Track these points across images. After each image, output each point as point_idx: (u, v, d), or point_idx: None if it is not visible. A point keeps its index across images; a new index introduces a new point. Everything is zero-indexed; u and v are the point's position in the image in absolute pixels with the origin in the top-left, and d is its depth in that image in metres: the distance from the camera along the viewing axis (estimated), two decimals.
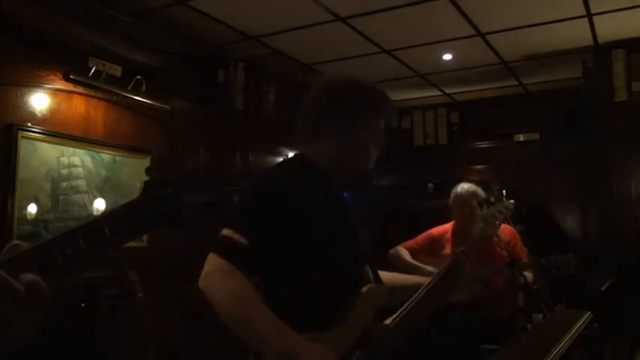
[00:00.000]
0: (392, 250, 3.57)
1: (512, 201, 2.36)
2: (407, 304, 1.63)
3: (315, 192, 1.53)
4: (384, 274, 1.70)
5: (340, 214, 1.61)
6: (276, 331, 1.32)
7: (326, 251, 1.48)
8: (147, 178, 0.85)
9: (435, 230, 3.60)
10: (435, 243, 3.54)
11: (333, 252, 1.50)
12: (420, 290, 1.69)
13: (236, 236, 1.36)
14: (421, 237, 3.59)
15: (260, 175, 1.62)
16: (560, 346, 1.52)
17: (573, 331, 1.72)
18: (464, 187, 3.50)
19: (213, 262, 1.36)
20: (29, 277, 0.68)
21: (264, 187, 1.51)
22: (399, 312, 1.61)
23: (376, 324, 1.52)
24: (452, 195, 3.53)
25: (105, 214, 0.78)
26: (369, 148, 1.61)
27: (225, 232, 1.38)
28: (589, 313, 2.01)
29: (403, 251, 3.52)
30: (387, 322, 1.59)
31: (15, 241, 0.73)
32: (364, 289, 1.50)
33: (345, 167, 1.60)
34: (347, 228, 1.62)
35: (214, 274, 1.35)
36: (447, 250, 3.48)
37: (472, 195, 3.44)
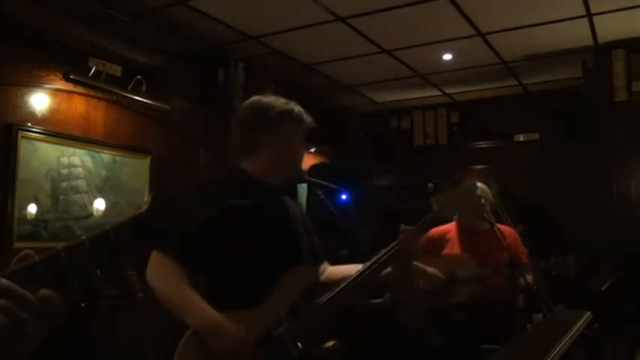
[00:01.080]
0: None
1: (472, 182, 2.11)
2: (344, 282, 1.73)
3: (248, 197, 1.78)
4: (338, 268, 1.94)
5: (276, 214, 1.85)
6: (198, 308, 1.57)
7: (257, 246, 1.71)
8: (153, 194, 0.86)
9: (434, 231, 3.59)
10: (435, 243, 3.54)
11: (263, 247, 1.72)
12: (359, 270, 1.76)
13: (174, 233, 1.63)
14: (421, 238, 3.58)
15: (201, 186, 1.98)
16: (560, 346, 1.52)
17: (573, 331, 1.72)
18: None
19: (154, 255, 1.66)
20: (44, 292, 0.68)
21: (201, 199, 1.80)
22: (333, 289, 1.70)
23: (308, 301, 1.68)
24: None
25: (113, 225, 0.78)
26: (296, 155, 1.93)
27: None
28: (589, 313, 2.00)
29: None
30: (322, 298, 1.69)
31: (26, 251, 0.74)
32: (292, 270, 1.70)
33: (278, 173, 1.89)
34: (283, 227, 1.84)
35: (153, 265, 1.66)
36: (448, 250, 3.48)
37: (482, 194, 3.43)
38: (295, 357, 1.61)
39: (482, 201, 3.39)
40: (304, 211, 2.09)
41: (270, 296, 1.65)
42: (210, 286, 1.69)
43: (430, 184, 5.73)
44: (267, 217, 1.80)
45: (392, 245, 1.81)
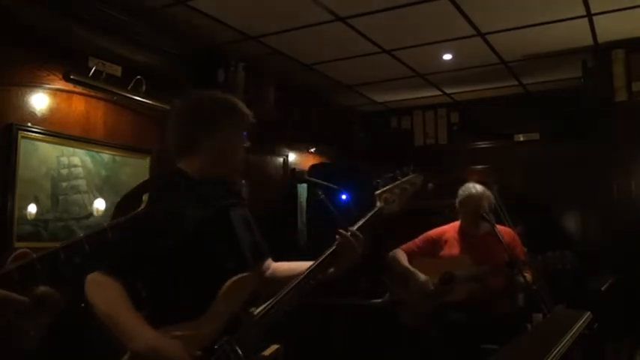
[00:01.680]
0: (390, 253, 3.57)
1: (417, 174, 2.05)
2: (283, 289, 1.70)
3: (187, 200, 1.69)
4: (283, 264, 1.93)
5: (217, 216, 1.76)
6: (137, 330, 1.51)
7: (192, 252, 1.64)
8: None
9: (434, 232, 3.60)
10: (434, 245, 3.54)
11: (199, 252, 1.66)
12: (299, 276, 1.73)
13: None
14: (420, 239, 3.59)
15: (133, 189, 1.84)
16: (560, 346, 1.52)
17: (573, 331, 1.72)
18: (476, 187, 3.46)
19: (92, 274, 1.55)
20: (41, 289, 0.68)
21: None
22: (274, 297, 1.68)
23: (248, 311, 1.64)
24: (462, 195, 3.49)
25: (110, 225, 0.79)
26: (236, 153, 1.83)
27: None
28: (589, 313, 2.00)
29: (400, 254, 3.52)
30: (261, 307, 1.66)
31: (23, 249, 0.74)
32: (231, 279, 1.64)
33: (217, 172, 1.80)
34: (225, 228, 1.77)
35: (90, 280, 1.52)
36: (448, 251, 3.47)
37: (484, 197, 3.42)
38: None
39: (477, 201, 3.39)
40: (245, 207, 1.97)
41: (211, 306, 1.61)
42: (151, 297, 1.65)
43: (430, 184, 5.75)
44: (206, 223, 1.71)
45: (331, 248, 1.77)
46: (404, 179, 1.98)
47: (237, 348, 1.58)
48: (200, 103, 1.84)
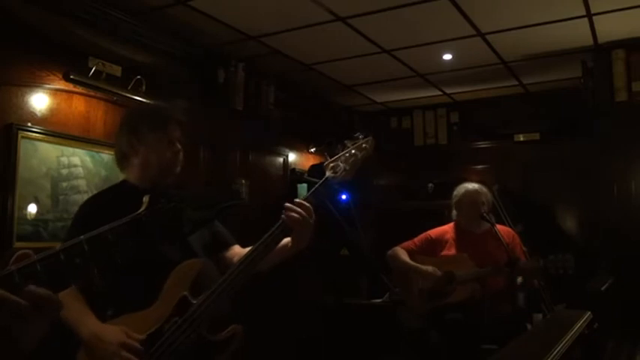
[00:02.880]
0: (390, 251, 3.57)
1: (368, 139, 2.05)
2: (232, 268, 1.78)
3: (123, 202, 1.80)
4: (247, 248, 1.94)
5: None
6: (82, 321, 1.71)
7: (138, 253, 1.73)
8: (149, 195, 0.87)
9: (434, 232, 3.60)
10: (434, 244, 3.54)
11: (145, 253, 1.74)
12: (245, 255, 1.80)
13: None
14: (419, 238, 3.59)
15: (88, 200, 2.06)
16: (560, 346, 1.52)
17: (573, 331, 1.72)
18: (473, 185, 3.48)
19: None
20: (40, 291, 0.68)
21: (81, 207, 2.00)
22: (222, 278, 1.76)
23: (196, 293, 1.75)
24: (458, 194, 3.50)
25: (111, 226, 0.78)
26: (162, 159, 1.94)
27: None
28: (589, 313, 2.01)
29: (401, 251, 3.53)
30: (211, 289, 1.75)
31: (24, 250, 0.74)
32: (175, 268, 1.78)
33: (152, 178, 1.93)
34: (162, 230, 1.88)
35: None
36: (447, 251, 3.48)
37: (480, 194, 3.43)
38: (190, 345, 1.69)
39: None
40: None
41: (160, 294, 1.75)
42: (105, 291, 1.78)
43: (430, 184, 5.75)
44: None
45: (278, 224, 1.82)
46: (351, 146, 2.01)
47: (186, 327, 1.69)
48: (126, 116, 2.05)
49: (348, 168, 1.95)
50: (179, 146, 1.98)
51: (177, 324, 1.70)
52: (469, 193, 3.44)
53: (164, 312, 1.72)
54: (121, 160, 2.00)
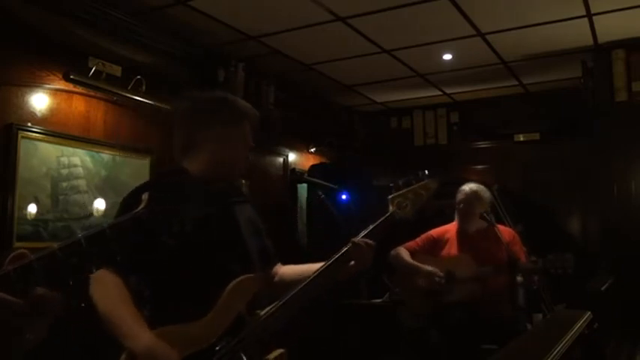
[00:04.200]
0: (392, 251, 3.57)
1: (433, 179, 1.99)
2: (289, 291, 1.69)
3: (187, 199, 1.71)
4: (292, 268, 1.93)
5: (219, 219, 1.75)
6: (133, 331, 1.52)
7: (195, 252, 1.63)
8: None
9: (435, 231, 3.61)
10: (435, 244, 3.55)
11: (203, 252, 1.65)
12: (306, 278, 1.72)
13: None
14: (421, 238, 3.60)
15: (136, 188, 1.79)
16: (560, 346, 1.52)
17: (573, 331, 1.72)
18: (471, 186, 3.48)
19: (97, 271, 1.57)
20: (39, 291, 0.68)
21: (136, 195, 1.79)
22: (280, 299, 1.67)
23: (252, 312, 1.63)
24: (459, 193, 3.50)
25: (110, 225, 0.78)
26: (234, 151, 1.81)
27: None
28: (589, 313, 2.01)
29: (403, 251, 3.53)
30: (266, 309, 1.64)
31: (20, 250, 0.73)
32: (234, 281, 1.62)
33: (217, 171, 1.79)
34: (229, 227, 1.77)
35: (93, 278, 1.57)
36: (447, 250, 3.48)
37: (477, 194, 3.43)
38: None
39: (474, 201, 3.40)
40: (253, 212, 1.96)
41: (215, 307, 1.60)
42: (153, 296, 1.65)
43: None
44: (210, 223, 1.71)
45: (340, 252, 1.76)
46: (419, 184, 1.93)
47: (239, 349, 1.56)
48: (198, 103, 1.85)
49: (411, 206, 1.90)
50: (250, 144, 1.85)
51: (230, 345, 1.56)
52: (466, 194, 3.45)
53: (217, 328, 1.58)
54: (183, 150, 1.82)
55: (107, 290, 1.57)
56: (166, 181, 1.85)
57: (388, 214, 1.88)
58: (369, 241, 1.79)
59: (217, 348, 1.55)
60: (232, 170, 1.84)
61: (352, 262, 1.77)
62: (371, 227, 1.84)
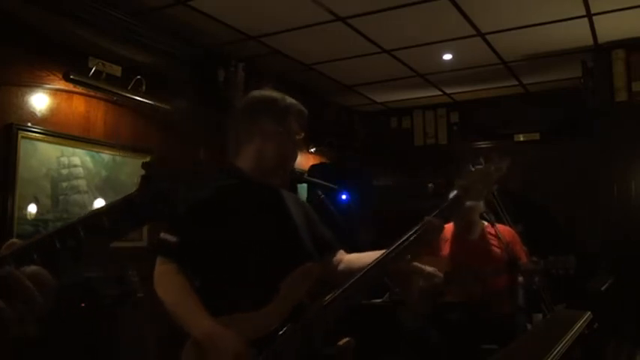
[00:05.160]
0: None
1: (504, 159, 1.93)
2: (351, 277, 1.69)
3: (238, 194, 1.77)
4: (358, 255, 1.92)
5: (268, 210, 1.81)
6: (196, 319, 1.60)
7: (248, 244, 1.70)
8: (144, 173, 0.86)
9: None
10: (436, 243, 3.53)
11: (256, 245, 1.71)
12: (369, 264, 1.72)
13: (169, 237, 1.66)
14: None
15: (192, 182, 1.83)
16: (560, 346, 1.52)
17: (573, 331, 1.72)
18: None
19: (157, 263, 1.70)
20: (32, 268, 0.68)
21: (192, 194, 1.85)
22: (347, 284, 1.66)
23: (314, 299, 1.66)
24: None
25: (104, 207, 0.78)
26: (280, 148, 1.85)
27: (162, 234, 1.69)
28: (589, 313, 2.00)
29: None
30: (329, 296, 1.65)
31: (12, 240, 0.74)
32: (297, 269, 1.67)
33: (268, 167, 1.84)
34: (281, 225, 1.81)
35: (156, 274, 1.68)
36: (446, 250, 3.48)
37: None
38: (304, 356, 1.59)
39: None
40: (305, 204, 2.01)
41: (275, 296, 1.64)
42: (214, 289, 1.69)
43: (430, 184, 5.74)
44: (263, 216, 1.77)
45: (411, 232, 1.75)
46: (487, 165, 1.91)
47: (301, 335, 1.59)
48: (246, 102, 1.93)
49: (482, 186, 1.89)
50: (297, 140, 1.89)
51: (291, 331, 1.59)
52: None
53: (279, 315, 1.61)
54: (235, 147, 1.89)
55: (170, 284, 1.66)
56: (220, 178, 1.91)
57: (455, 194, 1.88)
58: (441, 221, 1.79)
59: (280, 333, 1.59)
60: (280, 165, 1.87)
61: (423, 241, 1.77)
62: (441, 207, 1.83)
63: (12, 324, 0.66)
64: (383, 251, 1.75)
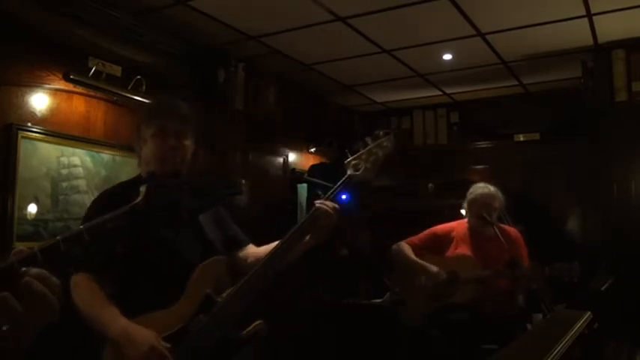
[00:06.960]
0: (394, 246, 3.55)
1: (388, 137, 2.00)
2: (257, 264, 1.80)
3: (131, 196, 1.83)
4: (264, 247, 2.01)
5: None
6: (111, 320, 1.69)
7: (152, 250, 1.75)
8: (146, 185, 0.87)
9: (440, 228, 3.57)
10: (440, 241, 3.51)
11: (161, 249, 1.79)
12: (273, 249, 1.84)
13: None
14: (424, 234, 3.56)
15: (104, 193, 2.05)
16: (560, 346, 1.52)
17: (573, 331, 1.72)
18: (489, 187, 3.42)
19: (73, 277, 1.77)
20: (37, 271, 0.68)
21: (93, 203, 2.04)
22: (249, 274, 1.77)
23: (222, 291, 1.76)
24: (474, 192, 3.44)
25: (111, 217, 0.79)
26: (155, 149, 1.92)
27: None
28: (589, 313, 2.00)
29: (406, 247, 3.49)
30: (235, 286, 1.76)
31: (20, 248, 0.74)
32: (198, 266, 1.78)
33: (149, 169, 1.92)
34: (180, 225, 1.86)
35: (71, 284, 1.75)
36: (455, 249, 3.46)
37: (495, 198, 3.38)
38: (215, 343, 1.69)
39: (490, 202, 3.35)
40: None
41: (183, 293, 1.74)
42: (124, 294, 1.79)
43: (430, 184, 5.73)
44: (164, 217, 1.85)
45: (304, 221, 1.86)
46: (372, 144, 1.99)
47: (212, 325, 1.68)
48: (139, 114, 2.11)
49: (369, 166, 1.96)
50: (174, 140, 1.95)
51: (202, 322, 1.69)
52: (485, 196, 3.38)
53: (188, 310, 1.72)
54: (137, 156, 2.04)
55: (81, 291, 1.74)
56: (117, 185, 2.10)
57: (345, 177, 1.96)
58: (335, 204, 1.88)
59: (189, 326, 1.69)
60: (160, 166, 1.91)
61: (308, 237, 1.87)
62: (330, 191, 1.93)
63: (26, 326, 0.66)
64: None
